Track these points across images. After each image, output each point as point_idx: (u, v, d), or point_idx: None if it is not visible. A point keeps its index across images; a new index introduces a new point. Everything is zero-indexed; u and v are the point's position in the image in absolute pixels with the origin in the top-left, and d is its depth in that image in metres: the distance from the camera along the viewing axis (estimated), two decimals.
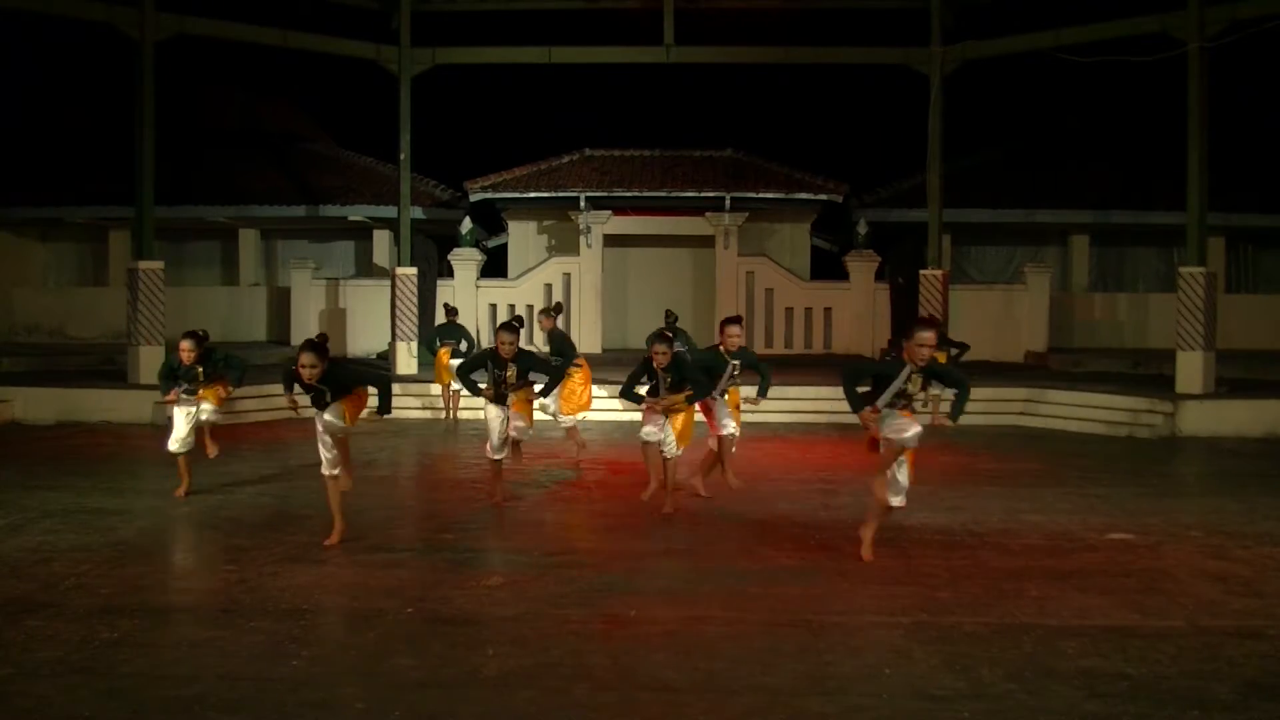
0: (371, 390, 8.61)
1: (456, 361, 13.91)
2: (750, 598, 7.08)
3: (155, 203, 17.60)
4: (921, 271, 19.72)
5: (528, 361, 9.98)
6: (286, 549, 8.36)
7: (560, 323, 24.47)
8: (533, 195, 24.70)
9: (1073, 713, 5.14)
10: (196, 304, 25.59)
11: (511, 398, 9.75)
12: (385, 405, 8.62)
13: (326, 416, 8.24)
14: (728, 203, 24.17)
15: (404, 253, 20.53)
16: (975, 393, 17.18)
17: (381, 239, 26.32)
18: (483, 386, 9.90)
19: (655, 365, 9.52)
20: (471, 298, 24.58)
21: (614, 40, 20.35)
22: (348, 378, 8.57)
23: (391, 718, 5.07)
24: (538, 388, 10.39)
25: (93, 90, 28.20)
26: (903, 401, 7.77)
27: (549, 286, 24.93)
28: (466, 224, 24.74)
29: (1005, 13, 19.39)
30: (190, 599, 6.93)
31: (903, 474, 7.87)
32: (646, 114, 32.57)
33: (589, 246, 24.71)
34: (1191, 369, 16.28)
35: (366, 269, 26.73)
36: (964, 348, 16.68)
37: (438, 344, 16.60)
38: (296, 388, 8.38)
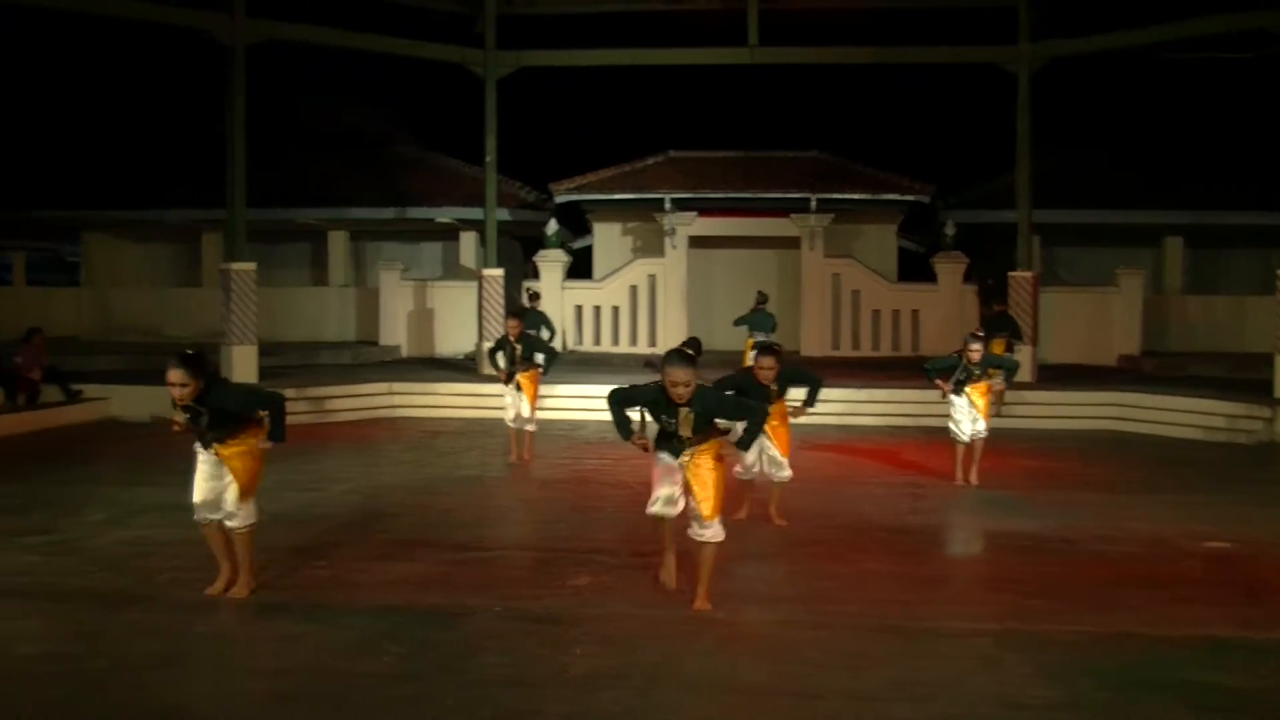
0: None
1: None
2: (838, 602, 7.03)
3: (246, 205, 17.89)
4: (1010, 274, 19.44)
5: (711, 403, 6.70)
6: (376, 546, 8.47)
7: (644, 324, 24.78)
8: (618, 197, 24.72)
9: None
10: (287, 304, 26.02)
11: (687, 456, 6.71)
12: (278, 430, 7.03)
13: (222, 491, 6.94)
14: (813, 204, 24.00)
15: (490, 254, 20.65)
16: (1064, 396, 17.10)
17: (468, 240, 26.53)
18: (635, 427, 6.99)
19: (968, 360, 11.23)
20: (557, 299, 24.69)
21: (698, 42, 20.31)
22: (231, 399, 6.98)
23: (480, 715, 5.11)
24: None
25: (185, 95, 28.72)
26: None
27: (634, 288, 24.96)
28: (552, 225, 24.85)
29: (1096, 9, 19.06)
30: (283, 594, 7.02)
31: None
32: (730, 115, 32.49)
33: (674, 248, 24.68)
34: None
35: (453, 270, 26.95)
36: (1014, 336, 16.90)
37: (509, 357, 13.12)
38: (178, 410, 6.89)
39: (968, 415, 11.41)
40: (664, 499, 6.79)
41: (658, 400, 6.63)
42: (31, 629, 6.30)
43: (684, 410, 6.54)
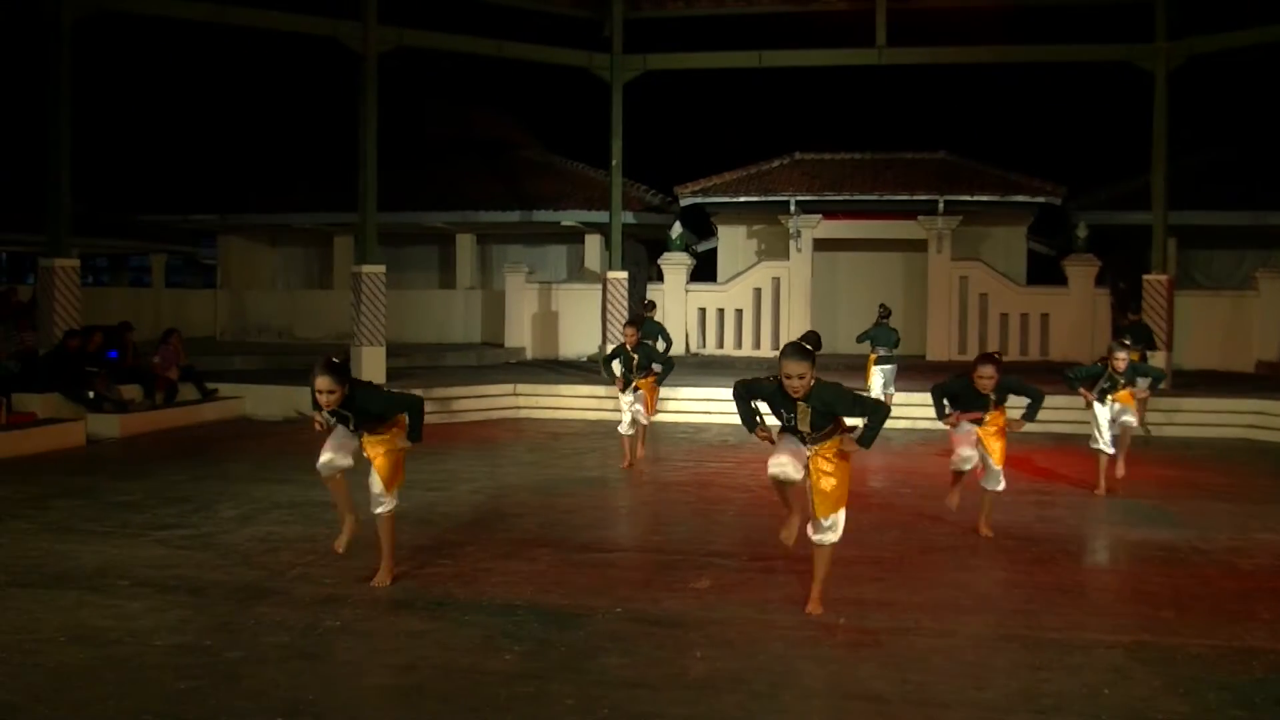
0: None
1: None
2: (962, 610, 6.92)
3: (377, 209, 18.24)
4: (1145, 277, 18.97)
5: (830, 398, 6.43)
6: (499, 545, 8.57)
7: (767, 327, 24.67)
8: (742, 199, 24.68)
9: None
10: (415, 306, 26.47)
11: (813, 450, 6.53)
12: (416, 432, 7.29)
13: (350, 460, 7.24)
14: (940, 206, 23.69)
15: (614, 257, 20.77)
16: (1200, 403, 16.61)
17: (593, 243, 26.70)
18: (761, 423, 6.79)
19: (1113, 369, 11.02)
20: (680, 302, 24.73)
21: (824, 43, 20.18)
22: (375, 404, 7.20)
23: (599, 715, 5.14)
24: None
25: (316, 101, 29.39)
26: None
27: (758, 291, 24.88)
28: (676, 228, 24.90)
29: (1234, 4, 18.46)
30: (408, 591, 7.14)
31: None
32: (856, 116, 32.16)
33: (799, 250, 24.54)
34: None
35: (578, 273, 27.15)
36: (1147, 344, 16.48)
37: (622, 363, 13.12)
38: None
39: (1110, 424, 11.13)
40: (779, 463, 6.44)
41: (776, 394, 6.47)
42: (169, 620, 6.50)
43: (801, 405, 6.38)
